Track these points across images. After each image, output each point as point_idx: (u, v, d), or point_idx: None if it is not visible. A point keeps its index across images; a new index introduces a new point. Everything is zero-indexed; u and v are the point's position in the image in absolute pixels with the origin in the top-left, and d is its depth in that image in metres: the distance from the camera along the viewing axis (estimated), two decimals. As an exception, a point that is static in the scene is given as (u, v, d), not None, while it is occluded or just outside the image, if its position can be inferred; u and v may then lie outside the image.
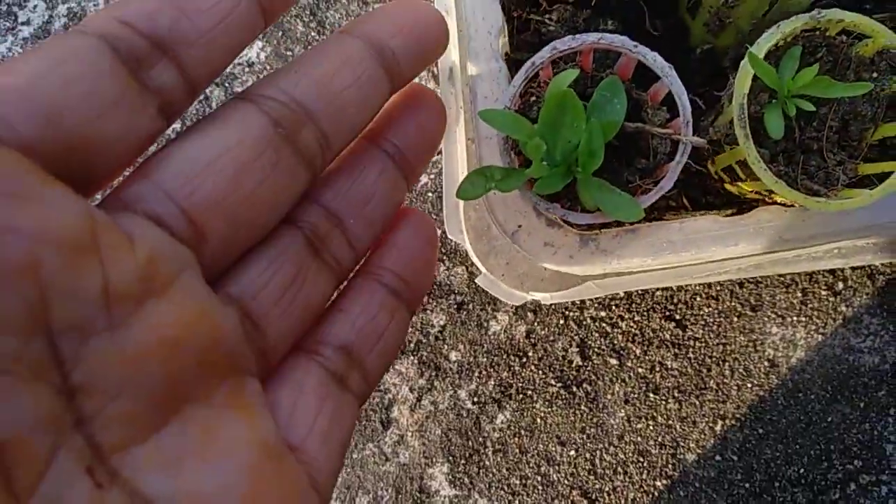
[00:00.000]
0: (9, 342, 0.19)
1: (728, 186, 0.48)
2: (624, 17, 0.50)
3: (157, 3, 0.23)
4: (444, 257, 0.59)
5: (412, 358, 0.57)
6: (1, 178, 0.19)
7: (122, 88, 0.22)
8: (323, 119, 0.26)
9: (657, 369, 0.56)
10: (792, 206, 0.46)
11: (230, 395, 0.24)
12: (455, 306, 0.58)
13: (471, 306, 0.57)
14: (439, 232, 0.59)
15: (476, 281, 0.50)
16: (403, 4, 0.29)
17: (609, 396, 0.56)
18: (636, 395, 0.56)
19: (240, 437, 0.23)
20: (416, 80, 0.30)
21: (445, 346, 0.57)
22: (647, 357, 0.56)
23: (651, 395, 0.56)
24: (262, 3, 0.24)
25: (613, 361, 0.56)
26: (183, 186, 0.23)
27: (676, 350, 0.56)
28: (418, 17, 0.29)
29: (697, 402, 0.56)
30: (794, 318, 0.56)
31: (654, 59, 0.42)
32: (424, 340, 0.58)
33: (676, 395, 0.56)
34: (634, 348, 0.56)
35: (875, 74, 0.42)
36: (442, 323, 0.58)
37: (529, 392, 0.56)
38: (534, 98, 0.43)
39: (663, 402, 0.56)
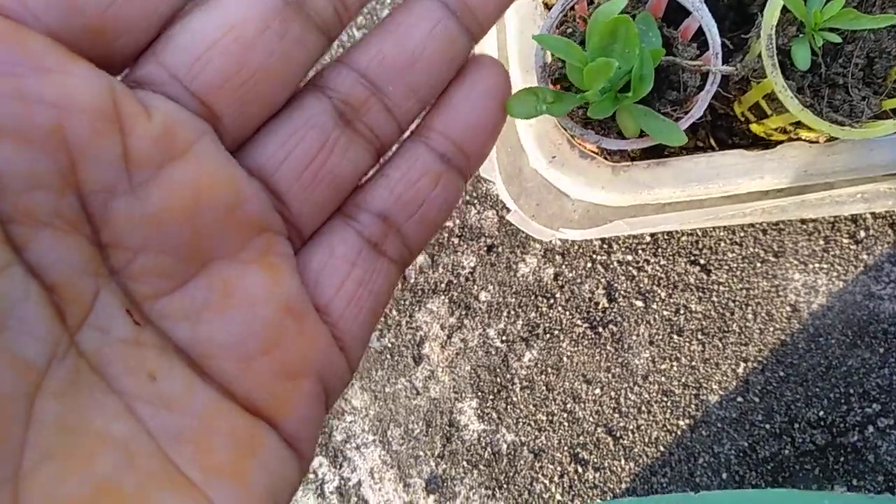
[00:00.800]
0: (47, 198, 0.21)
1: (754, 127, 0.50)
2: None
3: None
4: (476, 200, 0.61)
5: (443, 297, 0.59)
6: (29, 56, 0.21)
7: None
8: None
9: (682, 312, 0.58)
10: (816, 142, 0.47)
11: (257, 253, 0.25)
12: (485, 248, 0.60)
13: (500, 249, 0.59)
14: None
15: (508, 217, 0.51)
16: None
17: (634, 337, 0.57)
18: (661, 337, 0.57)
19: (260, 292, 0.25)
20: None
21: (475, 287, 0.59)
22: (671, 300, 0.58)
23: (675, 336, 0.57)
24: None
25: (639, 304, 0.58)
26: (188, 68, 0.24)
27: (701, 294, 0.57)
28: None
29: (720, 345, 0.57)
30: (816, 265, 0.58)
31: (686, -6, 0.43)
32: (455, 281, 0.59)
33: (700, 337, 0.57)
34: (660, 291, 0.58)
35: (901, 9, 0.43)
36: (472, 264, 0.60)
37: (556, 332, 0.58)
38: (570, 30, 0.45)
39: (687, 344, 0.57)
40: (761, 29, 0.42)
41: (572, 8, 0.45)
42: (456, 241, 0.60)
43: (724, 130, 0.52)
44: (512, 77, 0.47)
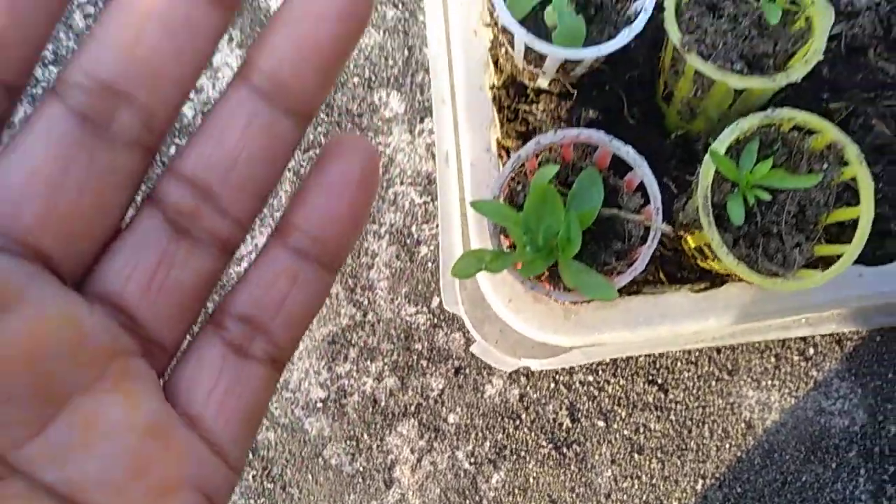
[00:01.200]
0: None
1: (701, 263, 0.52)
2: (604, 106, 0.55)
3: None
4: (443, 324, 0.63)
5: (413, 420, 0.61)
6: None
7: None
8: (138, 93, 0.25)
9: (641, 431, 0.60)
10: (758, 281, 0.50)
11: (113, 380, 0.26)
12: (453, 371, 0.62)
13: (468, 371, 0.61)
14: (436, 301, 0.63)
15: (472, 349, 0.54)
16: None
17: (597, 457, 0.59)
18: (622, 456, 0.59)
19: (121, 419, 0.26)
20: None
21: (444, 409, 0.61)
22: (631, 419, 0.60)
23: (636, 455, 0.59)
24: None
25: (601, 423, 0.60)
26: (3, 217, 0.24)
27: (659, 412, 0.60)
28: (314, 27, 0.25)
29: (679, 462, 0.59)
30: (769, 382, 0.60)
31: (628, 153, 0.46)
32: (424, 403, 0.61)
33: (659, 455, 0.59)
34: (620, 411, 0.60)
35: (826, 165, 0.47)
36: (441, 387, 0.62)
37: (523, 453, 0.60)
38: (520, 186, 0.48)
39: (647, 462, 0.59)
40: (697, 190, 0.45)
41: (522, 165, 0.48)
42: (425, 363, 0.62)
43: (673, 264, 0.54)
44: (471, 228, 0.50)
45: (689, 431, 0.59)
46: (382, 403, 0.62)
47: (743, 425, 0.60)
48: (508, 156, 0.56)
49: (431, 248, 0.66)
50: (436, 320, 0.64)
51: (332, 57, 0.25)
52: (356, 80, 0.71)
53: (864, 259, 0.50)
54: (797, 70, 0.47)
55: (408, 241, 0.67)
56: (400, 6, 0.72)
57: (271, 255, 0.28)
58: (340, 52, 0.25)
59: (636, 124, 0.56)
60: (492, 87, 0.55)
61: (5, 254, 0.24)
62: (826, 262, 0.47)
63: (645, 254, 0.45)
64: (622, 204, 0.48)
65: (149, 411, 0.26)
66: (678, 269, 0.54)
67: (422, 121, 0.69)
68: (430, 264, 0.65)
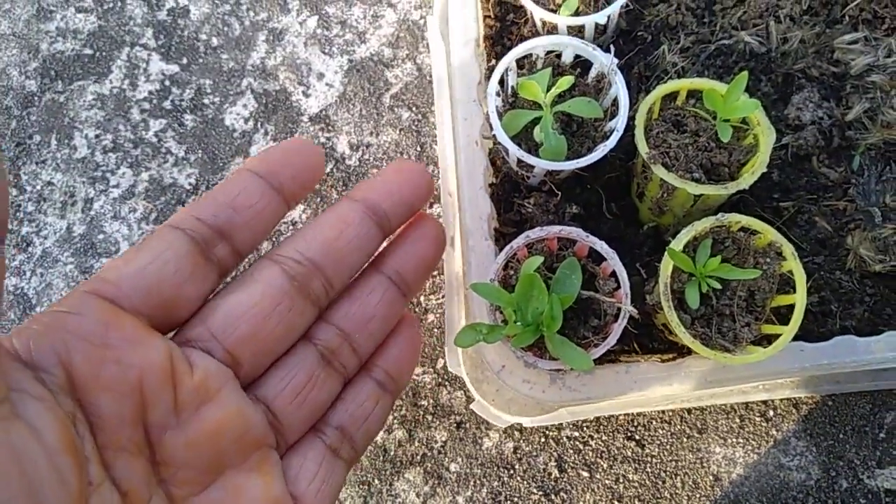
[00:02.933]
0: (128, 431, 0.34)
1: (668, 336, 0.61)
2: (586, 202, 0.65)
3: (216, 206, 0.37)
4: (447, 383, 0.72)
5: (419, 468, 0.69)
6: (124, 333, 0.34)
7: (195, 265, 0.36)
8: (328, 269, 0.39)
9: (621, 481, 0.68)
10: (715, 354, 0.59)
11: (256, 463, 0.38)
12: (455, 425, 0.70)
13: (468, 425, 0.70)
14: (441, 363, 0.72)
15: (471, 406, 0.62)
16: (395, 170, 0.42)
17: (581, 503, 0.67)
18: (604, 503, 0.67)
19: (259, 493, 0.37)
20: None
21: (446, 459, 0.70)
22: (612, 470, 0.68)
23: (616, 502, 0.67)
24: (286, 200, 0.39)
25: (585, 474, 0.68)
26: (223, 330, 0.37)
27: (637, 465, 0.68)
28: (407, 180, 0.42)
29: None
30: (734, 440, 0.68)
31: (602, 247, 0.56)
32: (429, 453, 0.70)
33: (637, 503, 0.67)
34: (602, 463, 0.68)
35: (768, 259, 0.56)
36: (444, 439, 0.70)
37: (516, 499, 0.68)
38: (513, 271, 0.57)
39: None
40: (659, 277, 0.55)
41: (514, 256, 0.57)
42: (430, 418, 0.71)
43: (645, 337, 0.63)
44: (472, 303, 0.59)
45: (664, 482, 0.68)
46: (392, 452, 0.71)
47: (711, 478, 0.68)
48: (505, 241, 0.65)
49: (437, 315, 0.75)
50: (440, 380, 0.73)
51: (433, 267, 0.46)
52: (374, 171, 0.82)
53: (808, 336, 0.60)
54: (746, 179, 0.57)
55: (417, 310, 0.76)
56: (414, 109, 0.83)
57: (360, 383, 0.42)
58: (436, 265, 0.46)
59: (614, 218, 0.65)
60: (491, 185, 0.65)
61: (213, 357, 0.37)
62: (773, 339, 0.56)
63: (616, 330, 0.54)
64: (598, 287, 0.57)
65: (277, 491, 0.38)
66: (649, 340, 0.63)
67: (431, 206, 0.79)
68: (436, 330, 0.74)
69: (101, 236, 0.80)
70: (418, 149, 0.82)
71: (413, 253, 0.44)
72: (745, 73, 0.57)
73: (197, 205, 0.37)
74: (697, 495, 0.67)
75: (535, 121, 0.58)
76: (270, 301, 0.38)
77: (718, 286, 0.54)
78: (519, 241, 0.56)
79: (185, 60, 0.88)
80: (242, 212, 0.37)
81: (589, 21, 0.62)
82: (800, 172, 0.66)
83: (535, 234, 0.56)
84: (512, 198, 0.65)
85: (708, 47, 0.67)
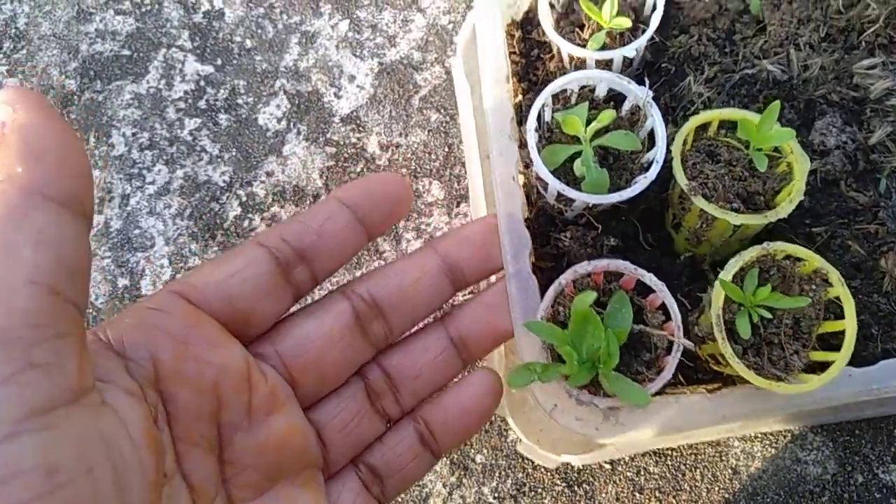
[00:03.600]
0: (202, 427, 0.34)
1: (714, 366, 0.61)
2: (622, 234, 0.65)
3: (302, 229, 0.38)
4: None
5: (445, 459, 0.71)
6: (204, 333, 0.35)
7: (275, 284, 0.37)
8: (392, 316, 0.40)
9: (642, 473, 0.69)
10: (764, 383, 0.59)
11: (306, 480, 0.39)
12: None
13: (494, 417, 0.72)
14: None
15: (518, 448, 0.61)
16: (475, 227, 0.44)
17: (603, 495, 0.68)
18: (625, 494, 0.69)
19: None
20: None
21: (472, 451, 0.71)
22: (633, 463, 0.69)
23: (637, 494, 0.68)
24: (368, 232, 0.40)
25: (607, 466, 0.69)
26: (291, 353, 0.38)
27: (657, 458, 0.69)
28: (485, 239, 0.44)
29: (674, 502, 0.68)
30: (752, 434, 0.70)
31: (651, 279, 0.56)
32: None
33: (658, 495, 0.68)
34: (623, 455, 0.69)
35: (814, 286, 0.56)
36: None
37: (539, 490, 0.68)
38: (561, 307, 0.57)
39: (647, 501, 0.68)
40: (710, 308, 0.54)
41: (562, 292, 0.57)
42: None
43: (690, 367, 0.63)
44: (521, 341, 0.58)
45: (684, 475, 0.68)
46: None
47: (730, 471, 0.69)
48: (543, 274, 0.65)
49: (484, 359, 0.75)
50: (466, 373, 0.74)
51: (503, 338, 0.48)
52: (403, 170, 0.85)
53: (851, 361, 0.60)
54: (784, 208, 0.57)
55: (445, 308, 0.77)
56: (442, 111, 0.85)
57: (403, 432, 0.43)
58: (508, 336, 0.49)
59: (650, 248, 0.65)
60: (526, 219, 0.65)
61: (279, 373, 0.38)
62: (822, 365, 0.56)
63: (671, 363, 0.54)
64: (647, 320, 0.57)
65: None
66: (694, 371, 0.63)
67: (458, 205, 0.82)
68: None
69: (136, 231, 0.82)
70: (446, 149, 0.85)
71: (483, 320, 0.45)
72: (777, 102, 0.58)
73: (285, 226, 0.39)
74: (716, 487, 0.68)
75: (574, 155, 0.58)
76: (336, 334, 0.39)
77: (769, 315, 0.54)
78: (567, 276, 0.56)
79: (219, 61, 0.90)
80: (326, 239, 0.38)
81: (618, 55, 0.62)
82: (829, 197, 0.67)
83: (582, 268, 0.56)
84: (548, 232, 0.65)
85: (732, 77, 0.68)
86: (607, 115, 0.56)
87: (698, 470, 0.69)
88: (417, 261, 0.41)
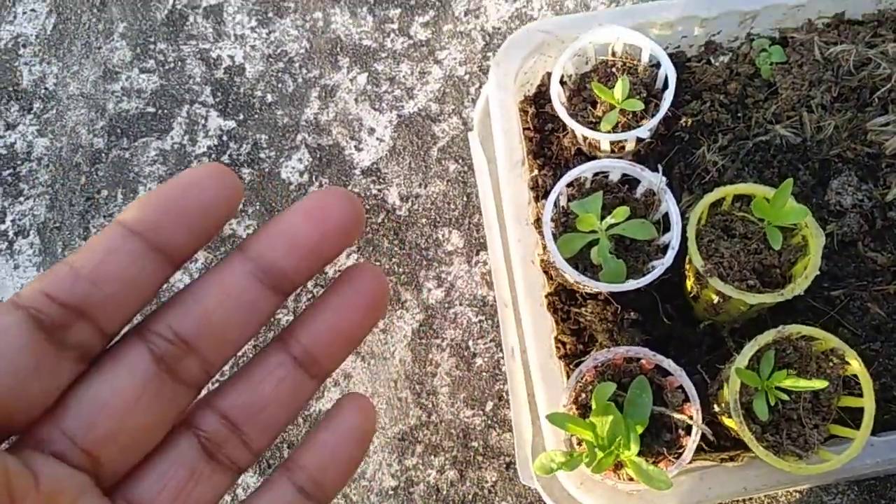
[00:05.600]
0: None
1: (735, 434, 0.63)
2: (642, 306, 0.67)
3: (71, 276, 0.28)
4: (496, 424, 0.76)
5: None
6: None
7: (39, 355, 0.28)
8: (204, 349, 0.31)
9: None
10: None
11: None
12: (504, 465, 0.75)
13: (517, 466, 0.73)
14: (490, 405, 0.74)
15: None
16: (305, 210, 0.30)
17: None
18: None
19: None
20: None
21: (497, 498, 0.74)
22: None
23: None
24: (172, 260, 0.30)
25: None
26: (80, 428, 0.29)
27: None
28: (321, 220, 0.31)
29: None
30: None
31: (669, 364, 0.58)
32: (480, 493, 0.74)
33: None
34: None
35: (831, 364, 0.58)
36: (494, 479, 0.75)
37: None
38: (584, 392, 0.59)
39: None
40: (727, 391, 0.56)
41: (583, 377, 0.59)
42: (480, 458, 0.75)
43: (715, 436, 0.64)
44: (545, 430, 0.61)
45: None
46: (444, 492, 0.74)
47: None
48: (566, 349, 0.67)
49: (485, 359, 0.79)
50: (490, 421, 0.76)
51: (356, 341, 0.34)
52: (423, 220, 0.87)
53: (874, 426, 0.61)
54: (801, 284, 0.59)
55: (465, 354, 0.79)
56: (460, 161, 0.88)
57: (277, 487, 0.34)
58: (362, 337, 0.34)
59: (670, 319, 0.67)
60: (547, 296, 0.67)
61: (66, 462, 0.29)
62: (842, 437, 0.58)
63: (690, 447, 0.56)
64: (667, 400, 0.59)
65: None
66: (717, 438, 0.65)
67: (477, 253, 0.84)
68: (484, 374, 0.78)
69: (164, 285, 0.85)
70: (465, 199, 0.87)
71: (329, 324, 0.34)
72: (790, 180, 0.59)
73: (46, 275, 0.29)
74: None
75: (591, 242, 0.60)
76: (134, 390, 0.31)
77: (786, 397, 0.56)
78: (588, 363, 0.58)
79: (241, 116, 0.93)
80: (107, 284, 0.29)
81: (631, 136, 0.64)
82: (847, 259, 0.67)
83: (602, 356, 0.58)
84: (569, 307, 0.67)
85: (746, 144, 0.69)
86: (621, 212, 0.58)
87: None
88: (217, 277, 0.32)
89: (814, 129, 0.70)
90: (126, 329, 0.31)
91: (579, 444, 0.58)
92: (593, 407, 0.55)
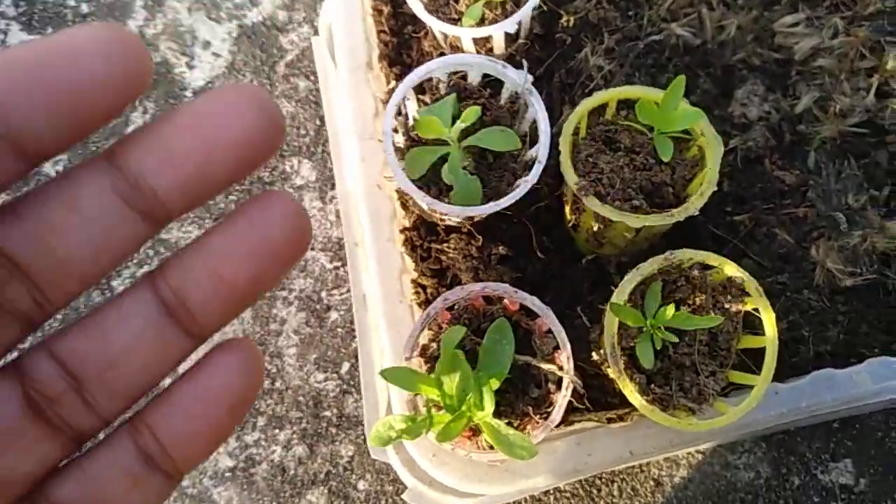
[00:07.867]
0: None
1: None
2: (514, 238, 0.56)
3: None
4: (353, 389, 0.64)
5: (322, 488, 0.62)
6: None
7: None
8: (36, 273, 0.23)
9: (551, 492, 0.61)
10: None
11: None
12: (363, 437, 0.63)
13: (367, 436, 0.63)
14: (346, 366, 0.63)
15: (403, 497, 0.53)
16: (196, 111, 0.22)
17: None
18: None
19: None
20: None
21: (354, 476, 0.63)
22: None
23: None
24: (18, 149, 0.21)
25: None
26: None
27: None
28: (215, 127, 0.22)
29: None
30: (675, 437, 0.62)
31: (533, 303, 0.47)
32: (333, 471, 0.62)
33: (570, 515, 0.60)
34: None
35: (730, 296, 0.48)
36: (350, 454, 0.63)
37: None
38: (435, 345, 0.48)
39: None
40: (606, 335, 0.46)
41: (436, 318, 0.47)
42: (334, 430, 0.63)
43: (598, 389, 0.54)
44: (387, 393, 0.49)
45: (599, 491, 0.61)
46: (291, 472, 0.63)
47: (651, 483, 0.61)
48: (427, 294, 0.56)
49: (341, 312, 0.67)
50: (346, 386, 0.65)
51: (245, 296, 0.24)
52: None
53: (780, 369, 0.51)
54: (694, 203, 0.48)
55: (317, 307, 0.67)
56: (312, 77, 0.75)
57: (117, 448, 0.26)
58: (253, 294, 0.24)
59: (547, 253, 0.56)
60: (403, 230, 0.55)
61: None
62: (743, 386, 0.48)
63: (560, 404, 0.45)
64: (536, 347, 0.48)
65: None
66: (603, 394, 0.54)
67: (332, 188, 0.71)
68: (339, 330, 0.66)
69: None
70: (317, 123, 0.74)
71: (209, 269, 0.24)
72: (682, 77, 0.48)
73: None
74: (637, 503, 0.60)
75: (444, 157, 0.49)
76: None
77: (675, 339, 0.46)
78: (436, 305, 0.47)
79: (49, 30, 0.78)
80: None
81: (497, 31, 0.52)
82: (752, 178, 0.58)
83: (453, 295, 0.47)
84: (429, 243, 0.55)
85: (636, 45, 0.58)
86: (471, 113, 0.46)
87: (615, 484, 0.61)
88: (72, 185, 0.24)
89: (714, 30, 0.59)
90: None
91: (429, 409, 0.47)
92: (439, 359, 0.44)
